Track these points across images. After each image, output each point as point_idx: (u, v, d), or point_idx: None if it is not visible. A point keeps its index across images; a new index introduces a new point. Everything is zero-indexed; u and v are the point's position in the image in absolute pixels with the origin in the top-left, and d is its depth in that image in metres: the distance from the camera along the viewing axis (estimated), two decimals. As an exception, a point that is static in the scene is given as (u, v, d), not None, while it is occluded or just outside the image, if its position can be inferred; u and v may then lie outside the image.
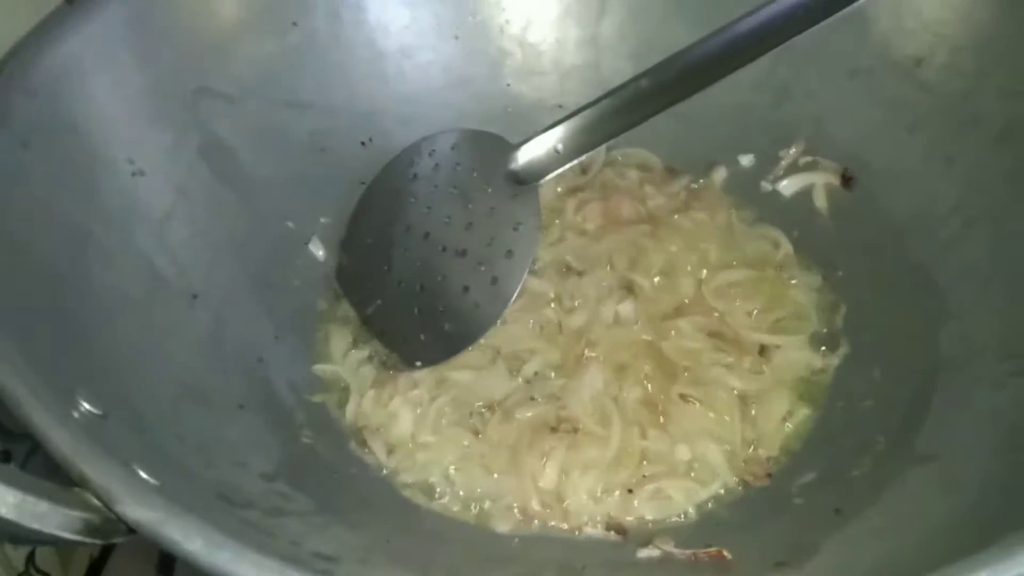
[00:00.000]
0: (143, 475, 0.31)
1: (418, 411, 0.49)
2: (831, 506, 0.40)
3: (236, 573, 0.26)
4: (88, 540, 0.28)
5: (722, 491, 0.46)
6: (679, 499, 0.45)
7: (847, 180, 0.55)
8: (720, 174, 0.60)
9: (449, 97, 0.62)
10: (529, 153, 0.52)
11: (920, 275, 0.49)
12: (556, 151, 0.51)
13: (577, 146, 0.51)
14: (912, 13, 0.52)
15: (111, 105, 0.48)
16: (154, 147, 0.50)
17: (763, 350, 0.50)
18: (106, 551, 0.53)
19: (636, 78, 0.49)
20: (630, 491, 0.45)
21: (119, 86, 0.49)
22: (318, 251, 0.57)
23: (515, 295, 0.49)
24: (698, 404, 0.48)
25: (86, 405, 0.34)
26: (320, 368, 0.52)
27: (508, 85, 0.64)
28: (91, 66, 0.47)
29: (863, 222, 0.54)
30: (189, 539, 0.27)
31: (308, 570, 0.26)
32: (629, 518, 0.45)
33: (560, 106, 0.63)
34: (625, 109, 0.49)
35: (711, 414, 0.48)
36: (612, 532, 0.45)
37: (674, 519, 0.45)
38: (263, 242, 0.54)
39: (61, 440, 0.29)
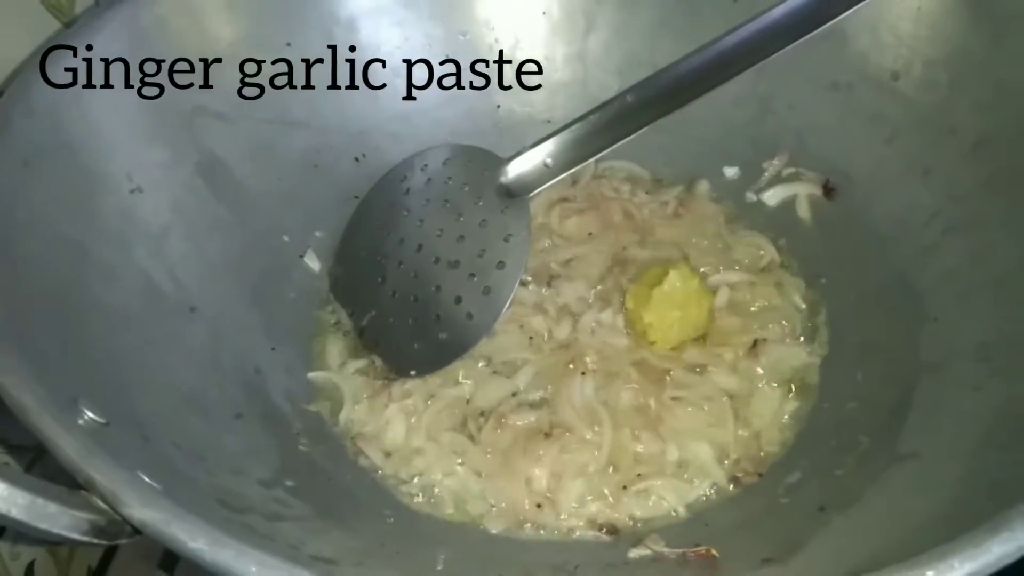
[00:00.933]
0: (146, 480, 0.31)
1: (412, 419, 0.50)
2: (816, 504, 0.41)
3: (239, 570, 0.27)
4: (95, 541, 0.29)
5: (712, 491, 0.47)
6: (669, 498, 0.46)
7: (829, 190, 0.57)
8: (704, 186, 0.62)
9: (440, 114, 0.63)
10: (519, 167, 0.53)
11: (901, 281, 0.50)
12: (545, 165, 0.52)
13: (566, 160, 0.52)
14: (889, 29, 0.54)
15: (109, 124, 0.49)
16: (152, 165, 0.51)
17: (755, 345, 0.52)
18: (104, 562, 0.54)
19: (622, 94, 0.51)
20: (624, 488, 0.46)
21: (117, 106, 0.50)
22: (314, 264, 0.58)
23: (507, 305, 0.51)
24: (690, 407, 0.49)
25: (89, 414, 0.35)
26: (315, 375, 0.53)
27: (497, 103, 0.65)
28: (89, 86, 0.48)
29: (845, 231, 0.55)
30: (193, 538, 0.28)
31: (308, 569, 0.27)
32: (619, 517, 0.46)
33: (549, 121, 0.65)
34: (612, 124, 0.51)
35: (703, 415, 0.49)
36: (604, 532, 0.46)
37: (665, 518, 0.46)
38: (259, 256, 0.55)
39: (68, 446, 0.30)
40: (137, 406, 0.40)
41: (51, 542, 0.28)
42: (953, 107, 0.51)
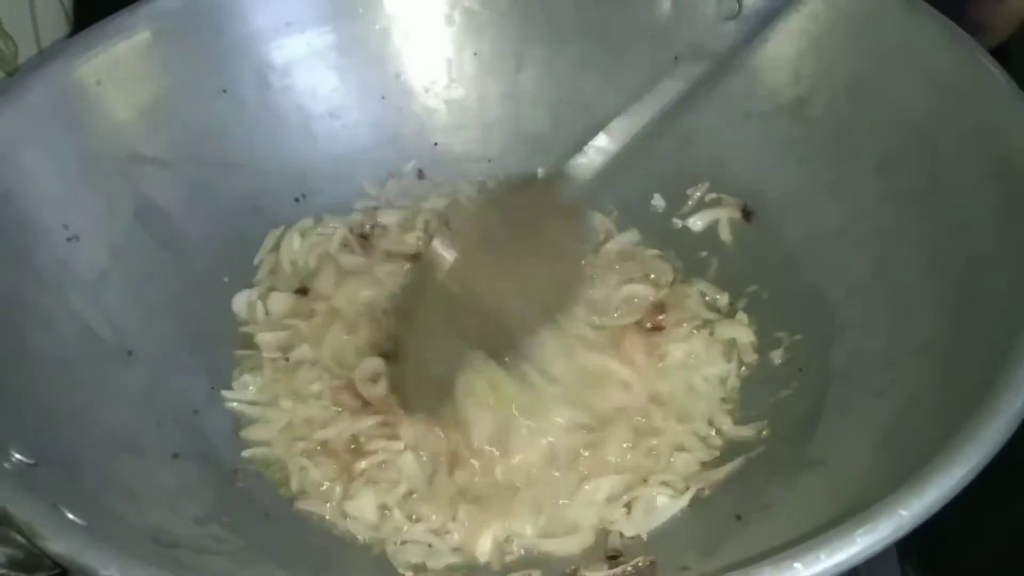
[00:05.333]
0: (70, 516, 0.32)
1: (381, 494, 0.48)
2: (733, 513, 0.43)
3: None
4: (13, 573, 0.30)
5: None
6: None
7: (747, 213, 0.60)
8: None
9: (379, 154, 0.66)
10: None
11: (813, 295, 0.52)
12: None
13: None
14: (794, 62, 0.57)
15: (45, 174, 0.51)
16: (89, 213, 0.52)
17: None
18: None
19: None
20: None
21: (52, 156, 0.51)
22: (255, 304, 0.59)
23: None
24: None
25: (17, 456, 0.36)
26: (251, 453, 0.51)
27: (435, 140, 0.67)
28: (23, 138, 0.50)
29: (762, 250, 0.57)
30: (105, 566, 0.29)
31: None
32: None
33: (489, 160, 0.67)
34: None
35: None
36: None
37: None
38: (200, 298, 0.56)
39: (-14, 484, 0.31)
40: (68, 447, 0.41)
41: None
42: (855, 131, 0.54)
